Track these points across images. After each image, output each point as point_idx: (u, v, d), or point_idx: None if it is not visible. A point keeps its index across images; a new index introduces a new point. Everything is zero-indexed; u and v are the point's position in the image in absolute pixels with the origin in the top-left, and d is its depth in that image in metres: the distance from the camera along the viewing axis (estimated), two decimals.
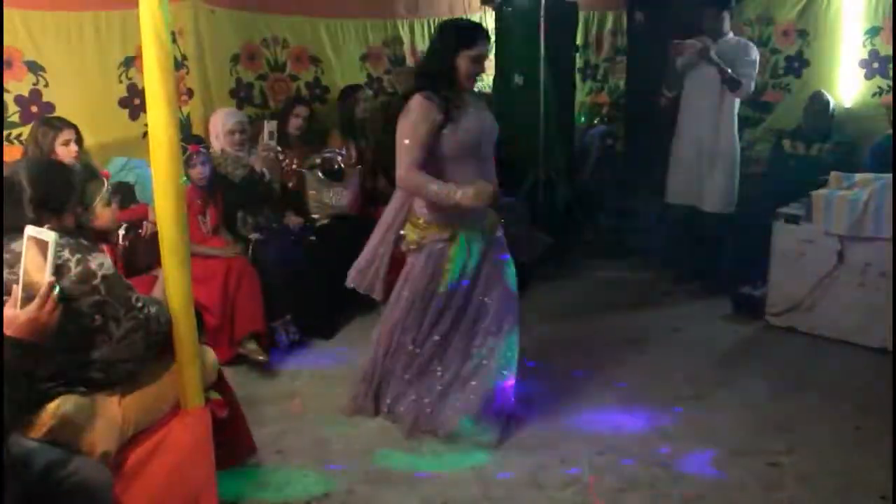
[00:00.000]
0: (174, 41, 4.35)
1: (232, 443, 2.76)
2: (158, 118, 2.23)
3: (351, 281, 3.38)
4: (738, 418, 3.38)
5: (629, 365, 3.93)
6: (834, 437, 3.21)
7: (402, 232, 3.23)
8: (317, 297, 4.26)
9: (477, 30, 3.11)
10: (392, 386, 3.34)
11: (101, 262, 2.15)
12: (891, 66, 5.10)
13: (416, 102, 2.97)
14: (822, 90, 5.15)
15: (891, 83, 5.12)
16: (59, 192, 2.25)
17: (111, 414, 2.23)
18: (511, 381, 3.27)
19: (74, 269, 2.08)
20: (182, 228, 2.33)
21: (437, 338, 3.21)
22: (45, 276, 1.89)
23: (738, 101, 4.66)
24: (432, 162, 3.01)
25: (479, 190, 2.94)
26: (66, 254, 2.08)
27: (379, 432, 3.30)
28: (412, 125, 2.96)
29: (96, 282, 2.11)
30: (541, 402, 3.53)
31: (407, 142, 2.97)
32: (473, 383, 3.19)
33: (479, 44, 3.04)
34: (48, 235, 1.90)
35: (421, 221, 3.15)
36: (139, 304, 2.25)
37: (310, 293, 4.22)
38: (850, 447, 3.14)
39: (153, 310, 2.30)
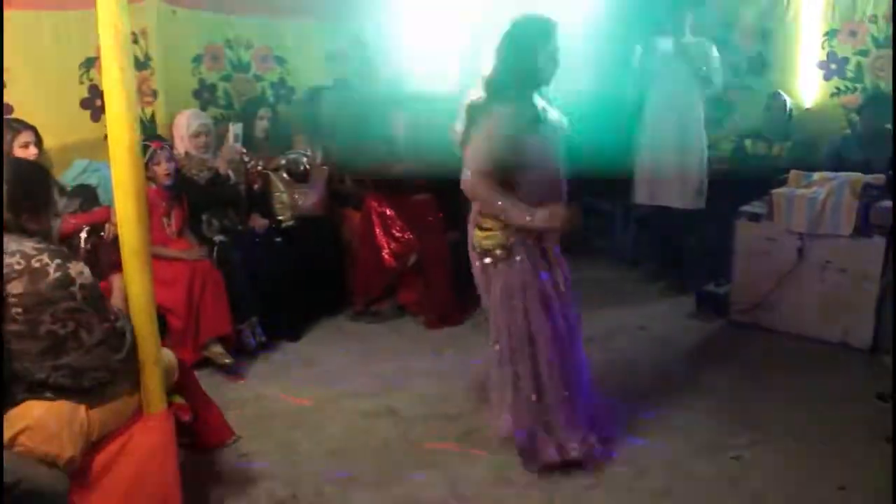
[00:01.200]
0: (137, 42, 4.31)
1: (208, 428, 2.80)
2: (118, 117, 2.20)
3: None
4: (703, 414, 3.42)
5: (595, 362, 3.91)
6: (796, 431, 3.26)
7: (474, 244, 2.97)
8: (283, 299, 4.24)
9: (553, 22, 2.84)
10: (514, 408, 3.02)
11: (81, 270, 2.18)
12: (848, 67, 5.21)
13: (502, 110, 2.75)
14: (780, 91, 5.25)
15: (848, 84, 5.22)
16: (36, 192, 2.27)
17: (78, 419, 2.22)
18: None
19: (53, 274, 2.10)
20: (143, 230, 2.30)
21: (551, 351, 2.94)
22: None
23: (702, 98, 4.76)
24: (510, 173, 2.78)
25: (553, 212, 2.77)
26: (46, 258, 2.11)
27: (346, 434, 3.29)
28: (492, 133, 2.74)
29: (73, 288, 2.14)
30: None
31: (484, 147, 2.74)
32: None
33: (556, 37, 2.82)
34: None
35: (492, 222, 2.87)
36: (112, 317, 2.27)
37: (276, 295, 4.20)
38: (811, 440, 3.19)
39: (124, 323, 2.31)
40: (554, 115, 2.92)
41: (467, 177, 2.78)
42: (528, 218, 2.76)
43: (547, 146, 2.85)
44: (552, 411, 2.96)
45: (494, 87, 2.82)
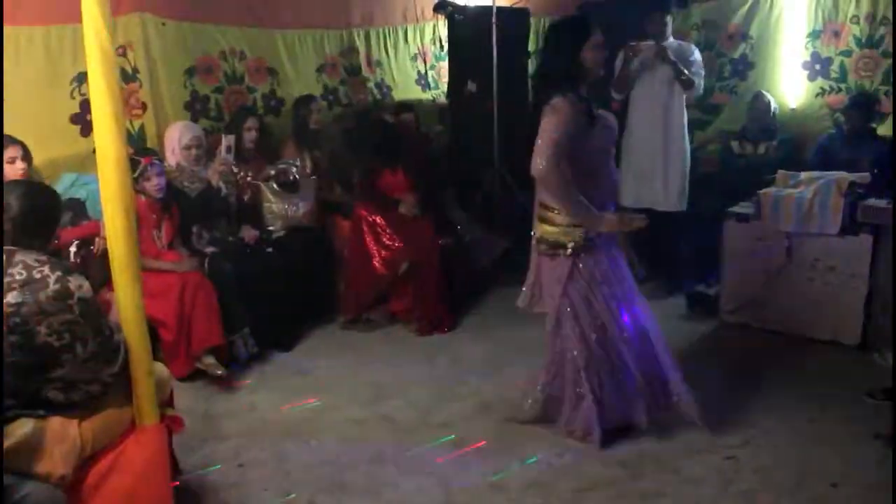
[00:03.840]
0: (124, 54, 4.31)
1: None
2: (105, 133, 2.21)
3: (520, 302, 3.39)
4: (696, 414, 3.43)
5: None
6: (788, 430, 3.28)
7: (535, 233, 3.19)
8: (275, 310, 4.24)
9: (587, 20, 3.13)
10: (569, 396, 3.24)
11: (81, 284, 2.22)
12: (832, 68, 5.26)
13: (563, 104, 2.91)
14: (763, 91, 5.30)
15: (833, 84, 5.27)
16: (47, 215, 2.35)
17: (70, 436, 2.23)
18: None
19: (52, 286, 2.15)
20: (132, 244, 2.31)
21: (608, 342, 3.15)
22: None
23: (685, 101, 4.79)
24: (573, 164, 2.96)
25: (623, 219, 3.00)
26: (47, 270, 2.17)
27: (339, 442, 3.30)
28: (560, 124, 2.89)
29: (72, 301, 2.18)
30: (500, 405, 3.56)
31: (555, 136, 2.88)
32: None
33: (596, 32, 3.02)
34: None
35: (560, 218, 3.05)
36: (108, 332, 2.29)
37: (268, 305, 4.20)
38: (804, 438, 3.21)
39: (119, 338, 2.33)
40: (603, 113, 3.10)
41: (540, 166, 2.88)
42: (602, 224, 2.95)
43: (599, 139, 3.02)
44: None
45: (549, 80, 3.02)
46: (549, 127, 2.89)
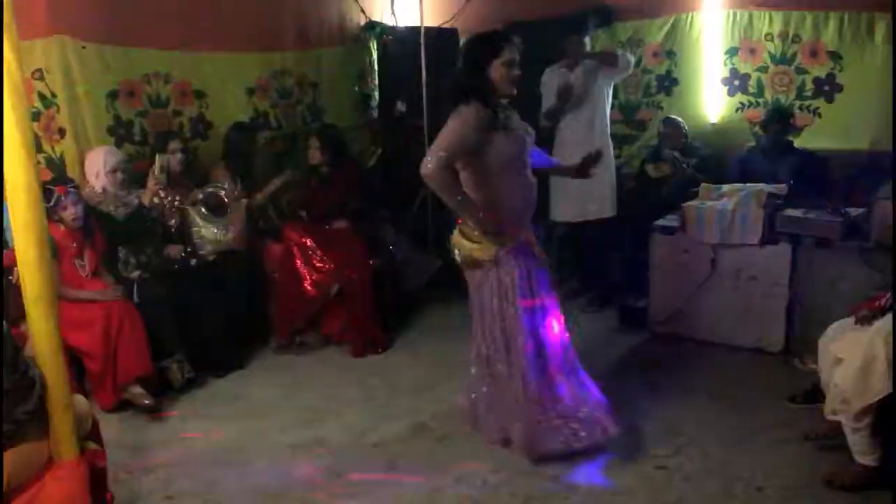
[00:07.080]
0: (41, 78, 4.21)
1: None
2: (15, 162, 2.14)
3: None
4: (627, 426, 3.46)
5: None
6: (717, 437, 3.36)
7: (455, 248, 3.27)
8: (207, 334, 4.17)
9: (500, 38, 3.15)
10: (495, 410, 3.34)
11: None
12: (749, 84, 5.44)
13: (465, 110, 3.00)
14: (672, 116, 5.44)
15: (751, 99, 5.45)
16: None
17: None
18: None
19: None
20: (46, 274, 2.24)
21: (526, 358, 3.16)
22: None
23: (609, 114, 4.90)
24: (478, 171, 3.08)
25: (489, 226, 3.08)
26: None
27: (273, 469, 3.25)
28: (457, 128, 3.00)
29: None
30: (435, 424, 3.57)
31: (449, 138, 2.99)
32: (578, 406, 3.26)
33: (508, 49, 3.07)
34: None
35: (476, 233, 3.13)
36: (24, 368, 2.19)
37: (200, 330, 4.12)
38: (731, 445, 3.29)
39: (36, 373, 2.22)
40: (518, 123, 3.19)
41: (427, 162, 2.96)
42: (480, 214, 3.04)
43: (508, 148, 3.08)
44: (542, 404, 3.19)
45: (458, 93, 3.07)
46: (446, 130, 3.01)
